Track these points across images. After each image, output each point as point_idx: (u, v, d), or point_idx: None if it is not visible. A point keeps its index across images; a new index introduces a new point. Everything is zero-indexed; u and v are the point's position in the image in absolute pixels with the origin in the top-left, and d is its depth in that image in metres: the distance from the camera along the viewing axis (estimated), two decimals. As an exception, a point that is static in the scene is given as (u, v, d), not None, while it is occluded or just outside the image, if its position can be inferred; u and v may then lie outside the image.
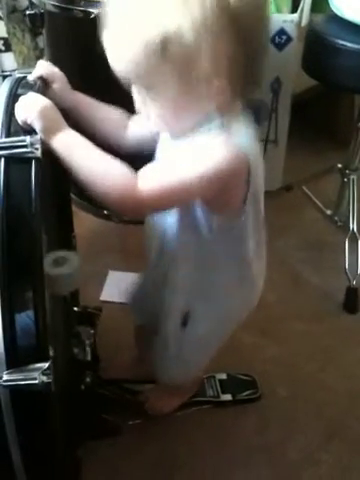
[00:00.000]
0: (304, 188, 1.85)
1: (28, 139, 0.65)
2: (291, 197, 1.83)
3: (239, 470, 1.07)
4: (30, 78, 0.78)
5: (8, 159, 0.64)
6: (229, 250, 0.86)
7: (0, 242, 0.62)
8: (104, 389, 1.11)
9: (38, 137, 0.66)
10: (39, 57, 1.71)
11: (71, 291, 0.77)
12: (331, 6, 1.42)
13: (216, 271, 0.89)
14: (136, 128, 0.88)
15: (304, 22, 1.58)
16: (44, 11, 1.43)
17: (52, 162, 0.71)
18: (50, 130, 0.68)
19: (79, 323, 1.05)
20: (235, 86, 0.71)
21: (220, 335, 0.99)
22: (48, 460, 0.72)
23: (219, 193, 0.74)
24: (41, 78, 0.79)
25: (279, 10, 1.56)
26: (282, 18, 1.53)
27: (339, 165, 1.68)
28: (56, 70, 0.82)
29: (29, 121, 0.68)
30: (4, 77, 0.79)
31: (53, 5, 1.37)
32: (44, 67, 0.81)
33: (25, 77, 0.79)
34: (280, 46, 1.55)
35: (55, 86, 0.81)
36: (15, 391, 0.64)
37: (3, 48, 1.68)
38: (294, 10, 1.56)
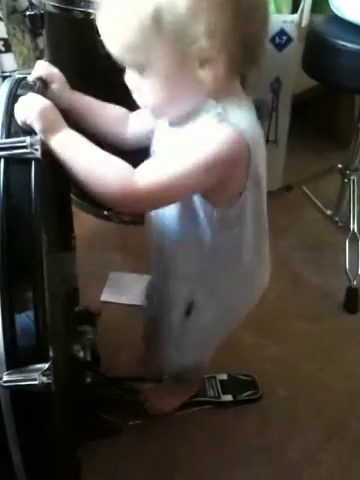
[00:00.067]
0: (304, 188, 1.85)
1: (28, 140, 0.65)
2: (291, 197, 1.83)
3: (239, 470, 1.07)
4: (30, 79, 0.78)
5: (8, 160, 0.64)
6: (229, 241, 0.85)
7: (0, 242, 0.62)
8: (105, 388, 1.11)
9: (38, 138, 0.66)
10: (39, 58, 1.71)
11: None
12: (331, 6, 1.42)
13: (217, 262, 0.88)
14: (136, 125, 0.88)
15: (304, 22, 1.58)
16: (44, 12, 1.43)
17: (52, 162, 0.71)
18: (50, 130, 0.69)
19: (80, 323, 1.05)
20: (231, 64, 0.69)
21: (224, 324, 0.98)
22: (48, 460, 0.72)
23: (219, 180, 0.73)
24: (40, 79, 0.79)
25: (279, 10, 1.56)
26: (282, 18, 1.53)
27: (339, 165, 1.68)
28: (55, 70, 0.82)
29: (29, 122, 0.68)
30: (4, 78, 0.79)
31: (53, 6, 1.37)
32: (43, 67, 0.81)
33: (25, 78, 0.79)
34: (280, 46, 1.56)
35: (54, 86, 0.81)
36: (15, 392, 0.64)
37: (3, 49, 1.68)
38: (294, 10, 1.56)
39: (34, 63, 0.82)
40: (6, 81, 0.78)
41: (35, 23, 1.46)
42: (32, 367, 0.63)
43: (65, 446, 0.78)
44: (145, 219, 0.92)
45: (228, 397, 1.19)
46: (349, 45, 1.30)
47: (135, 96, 0.76)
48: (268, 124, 1.68)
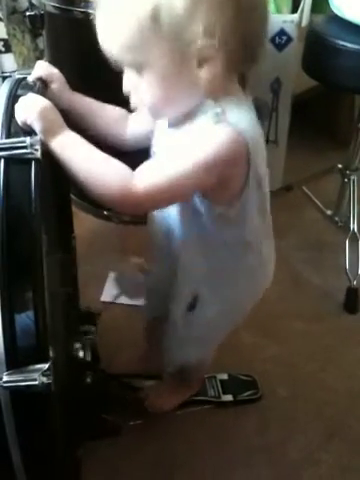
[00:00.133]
0: (304, 188, 1.85)
1: (28, 140, 0.65)
2: (291, 197, 1.83)
3: (239, 470, 1.07)
4: (30, 79, 0.78)
5: (8, 160, 0.64)
6: (232, 238, 0.85)
7: (0, 242, 0.62)
8: (105, 386, 1.11)
9: (38, 138, 0.66)
10: (39, 58, 1.72)
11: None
12: (331, 6, 1.42)
13: (222, 259, 0.88)
14: (136, 126, 0.88)
15: (304, 22, 1.58)
16: (44, 12, 1.43)
17: (52, 163, 0.71)
18: (50, 131, 0.69)
19: (80, 323, 1.05)
20: (230, 63, 0.69)
21: (229, 319, 0.98)
22: (48, 460, 0.72)
23: (219, 180, 0.73)
24: (40, 79, 0.79)
25: (279, 10, 1.56)
26: (282, 18, 1.53)
27: (339, 165, 1.68)
28: (55, 71, 0.82)
29: (29, 122, 0.68)
30: (4, 78, 0.79)
31: (53, 6, 1.38)
32: (43, 68, 0.81)
33: (25, 78, 0.79)
34: (280, 46, 1.56)
35: (54, 87, 0.81)
36: (15, 392, 0.64)
37: (3, 49, 1.68)
38: (294, 10, 1.56)
39: (34, 63, 0.82)
40: (6, 81, 0.78)
41: (35, 23, 1.46)
42: (32, 367, 0.63)
43: (65, 446, 0.78)
44: (148, 219, 0.92)
45: (228, 397, 1.20)
46: (349, 45, 1.30)
47: (131, 99, 0.76)
48: (268, 124, 1.68)
